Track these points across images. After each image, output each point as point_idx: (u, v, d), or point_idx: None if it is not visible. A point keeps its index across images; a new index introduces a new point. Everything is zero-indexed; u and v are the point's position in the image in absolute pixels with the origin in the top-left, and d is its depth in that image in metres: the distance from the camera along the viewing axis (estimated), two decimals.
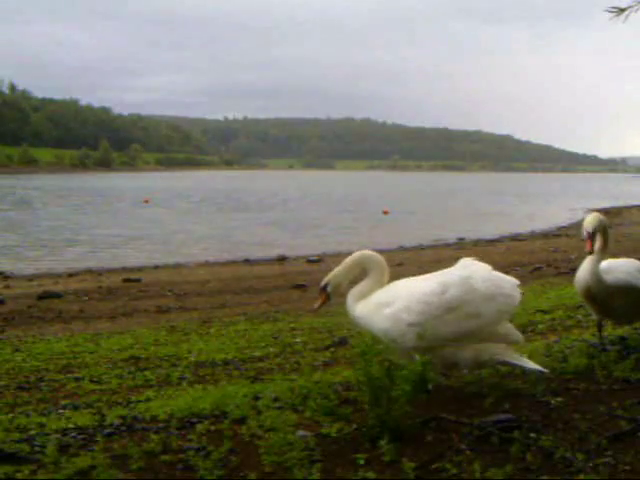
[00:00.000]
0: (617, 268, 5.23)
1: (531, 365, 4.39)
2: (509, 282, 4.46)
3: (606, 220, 5.33)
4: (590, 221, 5.16)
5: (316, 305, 4.82)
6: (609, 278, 5.15)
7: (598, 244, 5.23)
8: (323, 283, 4.74)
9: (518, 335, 4.50)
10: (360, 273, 4.76)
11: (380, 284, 4.62)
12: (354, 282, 4.75)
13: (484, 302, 4.29)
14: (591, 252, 5.14)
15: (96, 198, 55.70)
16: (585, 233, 5.17)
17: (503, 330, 4.42)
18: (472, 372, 4.62)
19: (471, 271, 4.42)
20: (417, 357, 4.22)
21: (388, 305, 4.41)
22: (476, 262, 4.53)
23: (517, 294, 4.42)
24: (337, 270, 4.73)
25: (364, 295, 4.59)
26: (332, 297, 4.74)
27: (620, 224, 30.32)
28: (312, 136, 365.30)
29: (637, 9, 5.18)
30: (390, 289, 4.55)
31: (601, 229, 5.24)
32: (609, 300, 5.19)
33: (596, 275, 5.13)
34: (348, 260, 4.74)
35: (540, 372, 4.40)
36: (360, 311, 4.55)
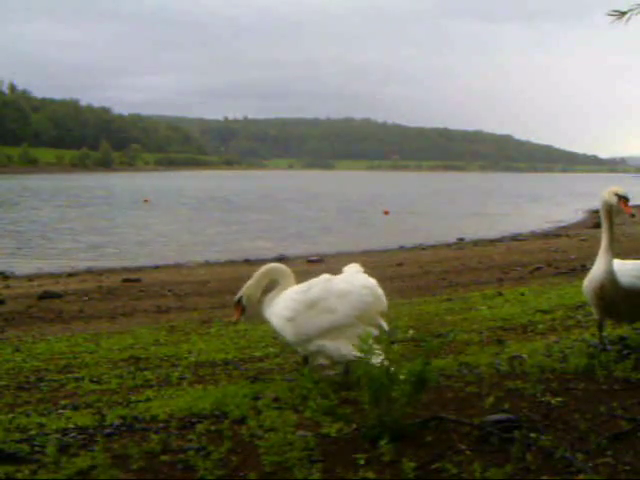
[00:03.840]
0: (630, 271, 5.23)
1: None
2: (366, 282, 4.91)
3: (617, 204, 5.22)
4: (604, 193, 5.19)
5: (234, 318, 5.51)
6: (624, 280, 5.15)
7: (605, 236, 5.18)
8: (237, 297, 5.37)
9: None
10: (271, 283, 5.37)
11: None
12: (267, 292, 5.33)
13: (338, 299, 4.80)
14: (633, 215, 5.26)
15: (97, 198, 55.70)
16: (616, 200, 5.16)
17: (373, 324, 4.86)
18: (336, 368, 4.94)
19: (336, 276, 4.98)
20: (300, 350, 4.93)
21: (276, 305, 5.12)
22: (355, 267, 5.08)
23: (370, 293, 4.84)
24: (248, 284, 5.36)
25: (273, 301, 5.22)
26: (248, 308, 5.38)
27: (621, 224, 30.30)
28: (312, 136, 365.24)
29: (638, 12, 5.21)
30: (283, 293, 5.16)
31: (609, 208, 5.18)
32: (620, 301, 5.18)
33: (612, 275, 5.13)
34: (257, 273, 5.38)
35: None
36: (268, 314, 5.21)
